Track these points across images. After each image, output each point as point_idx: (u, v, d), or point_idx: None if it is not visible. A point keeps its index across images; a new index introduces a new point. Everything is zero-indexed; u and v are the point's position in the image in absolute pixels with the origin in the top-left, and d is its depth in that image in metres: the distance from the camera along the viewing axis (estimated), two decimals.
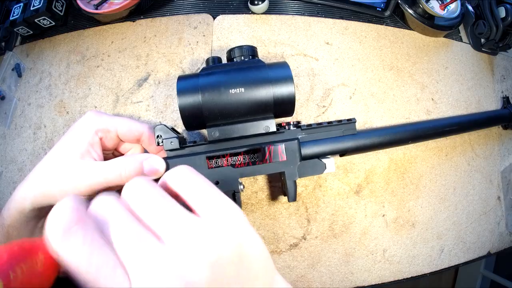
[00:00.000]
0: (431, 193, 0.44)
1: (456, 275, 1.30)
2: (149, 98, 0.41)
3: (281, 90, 0.30)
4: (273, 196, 0.40)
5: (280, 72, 0.30)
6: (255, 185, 0.40)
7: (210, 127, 0.31)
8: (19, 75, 0.46)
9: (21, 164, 0.43)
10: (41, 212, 0.32)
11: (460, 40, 0.52)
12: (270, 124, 0.32)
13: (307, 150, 0.33)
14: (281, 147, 0.31)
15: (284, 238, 0.39)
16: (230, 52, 0.33)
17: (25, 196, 0.30)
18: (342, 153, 0.35)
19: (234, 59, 0.33)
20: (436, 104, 0.47)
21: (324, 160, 0.33)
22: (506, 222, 0.47)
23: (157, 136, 0.31)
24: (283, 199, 0.40)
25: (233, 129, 0.31)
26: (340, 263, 0.40)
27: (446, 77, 0.49)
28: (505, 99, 0.51)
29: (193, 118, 0.30)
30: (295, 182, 0.33)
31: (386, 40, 0.47)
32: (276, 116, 0.32)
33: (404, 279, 0.41)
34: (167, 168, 0.29)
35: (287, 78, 0.30)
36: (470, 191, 0.46)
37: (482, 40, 0.51)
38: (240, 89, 0.29)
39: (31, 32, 0.46)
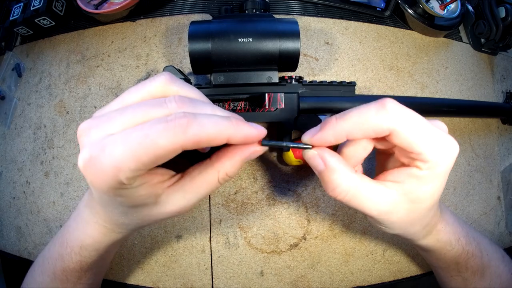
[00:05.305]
0: None
1: None
2: None
3: (287, 44, 0.31)
4: (273, 196, 0.40)
5: (288, 27, 0.31)
6: (255, 185, 0.40)
7: (216, 72, 0.33)
8: (19, 75, 0.46)
9: (21, 164, 0.43)
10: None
11: (460, 40, 0.52)
12: (273, 75, 0.33)
13: (305, 105, 0.34)
14: (281, 95, 0.33)
15: (284, 238, 0.39)
16: (243, 4, 0.34)
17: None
18: (339, 112, 0.36)
19: (246, 11, 0.34)
20: None
21: (321, 117, 0.34)
22: (506, 222, 0.47)
23: None
24: (283, 199, 0.40)
25: (238, 76, 0.33)
26: (340, 263, 0.40)
27: (446, 77, 0.48)
28: (509, 94, 0.50)
29: (201, 62, 0.31)
30: (290, 133, 0.35)
31: (386, 40, 0.47)
32: (280, 70, 0.33)
33: (404, 279, 0.41)
34: None
35: (295, 33, 0.31)
36: (470, 191, 0.46)
37: (482, 40, 0.51)
38: (249, 38, 0.30)
39: (31, 32, 0.46)
